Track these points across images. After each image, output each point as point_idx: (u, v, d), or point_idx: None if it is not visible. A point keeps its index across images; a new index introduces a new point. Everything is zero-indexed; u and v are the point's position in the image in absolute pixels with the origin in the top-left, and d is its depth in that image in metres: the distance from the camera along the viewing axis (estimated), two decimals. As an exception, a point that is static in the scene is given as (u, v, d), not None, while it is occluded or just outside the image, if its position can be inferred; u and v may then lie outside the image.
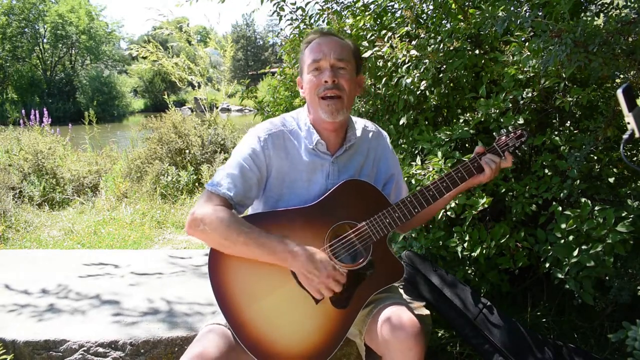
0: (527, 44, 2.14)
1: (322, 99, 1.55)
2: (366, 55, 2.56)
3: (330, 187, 1.58)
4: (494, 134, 1.74)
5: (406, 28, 2.65)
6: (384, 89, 2.66)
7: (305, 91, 1.62)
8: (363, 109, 2.90)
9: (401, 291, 2.18)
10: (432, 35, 2.53)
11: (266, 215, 1.56)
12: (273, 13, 3.22)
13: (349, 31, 2.80)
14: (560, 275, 1.99)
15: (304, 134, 1.62)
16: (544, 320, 2.35)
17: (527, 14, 2.04)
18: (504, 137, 1.67)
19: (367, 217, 1.55)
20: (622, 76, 1.94)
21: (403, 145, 2.56)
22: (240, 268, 1.47)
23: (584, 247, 1.94)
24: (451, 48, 2.40)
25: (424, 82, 2.43)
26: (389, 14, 2.87)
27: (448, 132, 2.34)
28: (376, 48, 2.56)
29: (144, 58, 7.06)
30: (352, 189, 1.57)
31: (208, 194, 1.51)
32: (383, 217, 1.55)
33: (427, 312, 2.01)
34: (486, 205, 2.17)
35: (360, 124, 1.73)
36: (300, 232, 1.51)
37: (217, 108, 7.19)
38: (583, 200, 2.00)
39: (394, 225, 1.56)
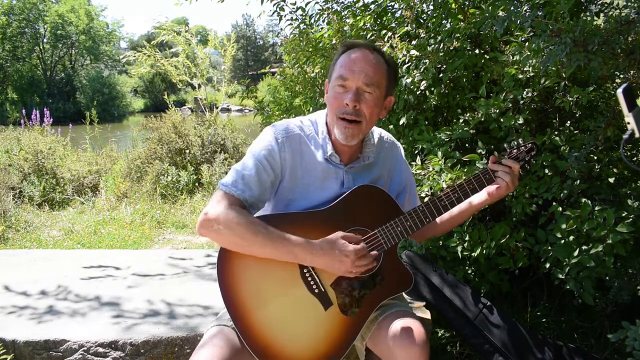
0: (527, 44, 2.14)
1: (340, 118, 1.49)
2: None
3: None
4: (505, 145, 1.71)
5: (406, 28, 2.65)
6: (384, 89, 2.66)
7: (327, 101, 1.54)
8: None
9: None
10: (432, 35, 2.54)
11: (276, 217, 1.52)
12: (273, 13, 3.22)
13: (349, 31, 2.80)
14: (560, 276, 1.99)
15: (320, 141, 1.57)
16: (544, 320, 2.35)
17: (527, 14, 2.04)
18: (515, 151, 1.63)
19: (379, 224, 1.52)
20: (622, 76, 1.94)
21: (403, 145, 2.56)
22: (249, 270, 1.45)
23: (584, 247, 1.94)
24: (451, 48, 2.40)
25: (424, 82, 2.43)
26: (389, 14, 2.87)
27: (448, 132, 2.34)
28: (376, 48, 2.55)
29: (144, 60, 7.06)
30: (365, 195, 1.53)
31: (221, 193, 1.44)
32: (395, 225, 1.52)
33: (427, 312, 2.02)
34: (486, 205, 2.17)
35: (376, 133, 1.68)
36: (310, 235, 1.47)
37: (217, 108, 7.19)
38: (583, 200, 2.00)
39: (405, 234, 1.53)
